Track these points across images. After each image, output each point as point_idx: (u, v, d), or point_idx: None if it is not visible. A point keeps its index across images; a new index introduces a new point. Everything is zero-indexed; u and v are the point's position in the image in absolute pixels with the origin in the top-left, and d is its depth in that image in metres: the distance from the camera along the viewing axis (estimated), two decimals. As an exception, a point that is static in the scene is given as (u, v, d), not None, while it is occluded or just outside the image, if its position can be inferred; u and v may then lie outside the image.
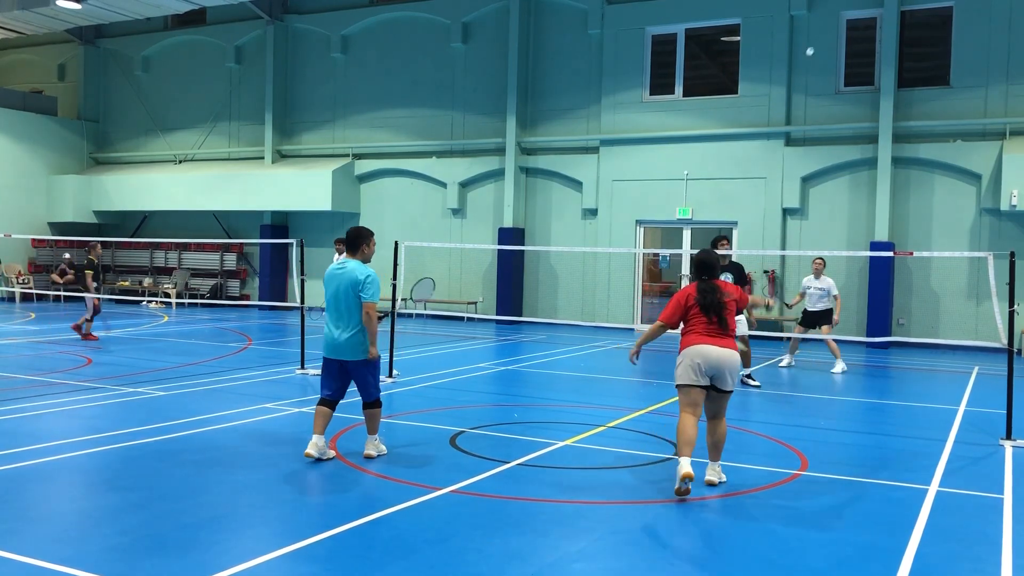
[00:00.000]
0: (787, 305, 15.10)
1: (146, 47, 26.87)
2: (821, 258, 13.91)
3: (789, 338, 15.06)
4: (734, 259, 12.87)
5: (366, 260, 7.36)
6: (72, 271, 26.01)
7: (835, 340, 13.82)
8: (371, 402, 7.39)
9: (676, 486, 6.28)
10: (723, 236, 12.28)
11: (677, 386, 6.64)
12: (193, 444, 7.75)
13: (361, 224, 22.97)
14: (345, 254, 7.44)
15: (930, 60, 18.43)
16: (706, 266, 6.85)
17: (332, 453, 7.35)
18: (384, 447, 7.51)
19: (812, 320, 13.93)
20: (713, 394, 6.57)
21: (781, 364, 14.30)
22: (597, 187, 20.76)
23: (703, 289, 6.68)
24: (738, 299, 6.93)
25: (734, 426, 9.09)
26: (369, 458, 7.28)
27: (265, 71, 24.60)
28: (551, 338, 18.31)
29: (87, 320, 15.45)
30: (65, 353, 13.69)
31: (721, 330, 6.58)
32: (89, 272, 15.67)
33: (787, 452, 8.00)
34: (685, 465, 6.25)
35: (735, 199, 19.37)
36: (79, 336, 15.39)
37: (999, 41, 17.48)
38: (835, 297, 13.87)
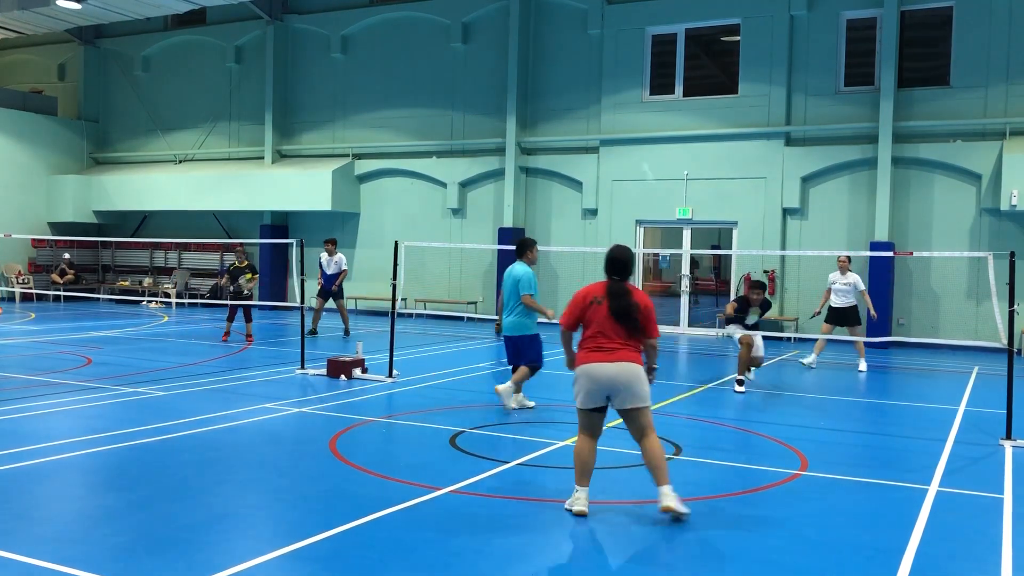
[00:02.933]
0: (816, 313, 14.37)
1: (146, 47, 26.86)
2: (847, 256, 13.90)
3: (814, 339, 14.73)
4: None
5: (530, 263, 9.64)
6: (72, 271, 26.04)
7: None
8: (528, 364, 9.63)
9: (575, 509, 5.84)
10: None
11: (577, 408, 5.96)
12: (193, 444, 7.75)
13: (361, 223, 23.54)
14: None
15: (930, 60, 18.42)
16: (619, 264, 5.97)
17: (532, 404, 9.72)
18: (530, 403, 9.72)
19: (838, 317, 13.87)
20: (625, 413, 5.81)
21: (804, 361, 14.25)
22: (597, 187, 20.75)
23: (615, 291, 5.87)
24: (644, 317, 5.85)
25: (733, 426, 9.11)
26: (508, 410, 9.46)
27: (265, 71, 24.59)
28: (551, 338, 18.24)
29: (245, 322, 15.81)
30: (65, 353, 13.69)
31: (619, 343, 5.79)
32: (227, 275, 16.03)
33: (787, 452, 8.00)
34: (578, 501, 5.81)
35: (735, 199, 19.36)
36: (248, 342, 15.60)
37: (999, 41, 17.47)
38: (862, 293, 13.87)
